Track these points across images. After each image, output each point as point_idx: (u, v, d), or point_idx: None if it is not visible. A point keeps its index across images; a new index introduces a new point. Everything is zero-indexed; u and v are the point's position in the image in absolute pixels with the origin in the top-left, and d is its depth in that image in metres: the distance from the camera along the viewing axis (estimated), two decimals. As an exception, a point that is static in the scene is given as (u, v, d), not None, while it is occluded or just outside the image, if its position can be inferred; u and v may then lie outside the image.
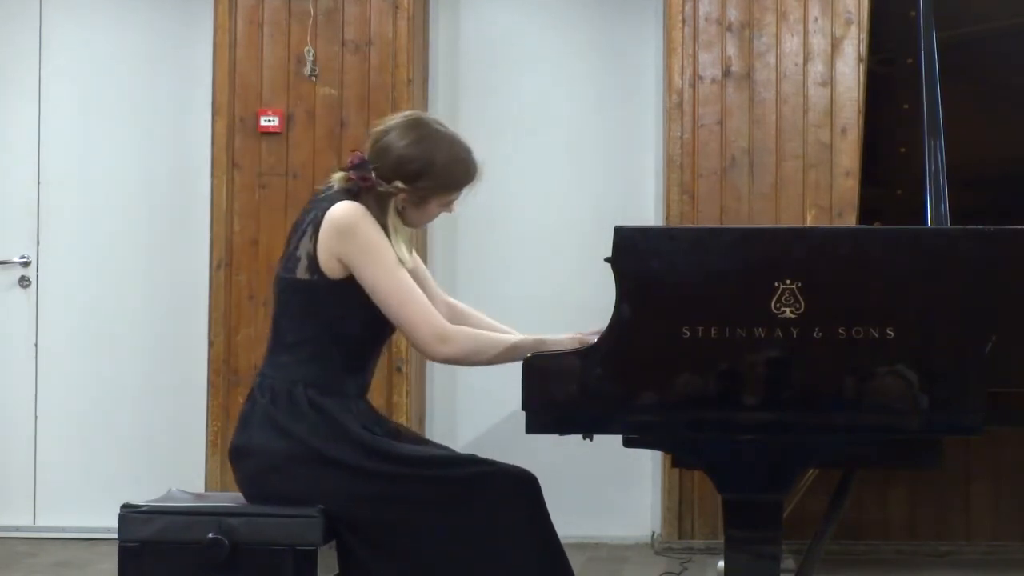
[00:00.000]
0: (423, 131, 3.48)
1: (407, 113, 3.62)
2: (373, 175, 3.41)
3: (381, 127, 3.51)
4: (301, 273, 3.39)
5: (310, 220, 3.42)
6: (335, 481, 3.31)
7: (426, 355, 3.43)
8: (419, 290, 3.38)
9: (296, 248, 3.42)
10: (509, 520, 3.30)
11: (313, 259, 3.37)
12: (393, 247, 3.39)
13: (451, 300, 3.68)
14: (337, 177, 3.47)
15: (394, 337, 3.69)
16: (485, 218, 6.71)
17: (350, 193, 3.42)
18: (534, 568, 3.30)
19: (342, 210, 3.37)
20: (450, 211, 3.57)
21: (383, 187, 3.41)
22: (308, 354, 3.39)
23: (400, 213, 3.45)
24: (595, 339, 3.19)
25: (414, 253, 3.53)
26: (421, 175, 3.43)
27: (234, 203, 6.68)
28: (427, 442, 3.63)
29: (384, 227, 3.40)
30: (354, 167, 3.44)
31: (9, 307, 6.95)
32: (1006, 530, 6.53)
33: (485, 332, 3.47)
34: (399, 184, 3.41)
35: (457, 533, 3.29)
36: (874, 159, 3.89)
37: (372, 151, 3.47)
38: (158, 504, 3.39)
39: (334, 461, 3.31)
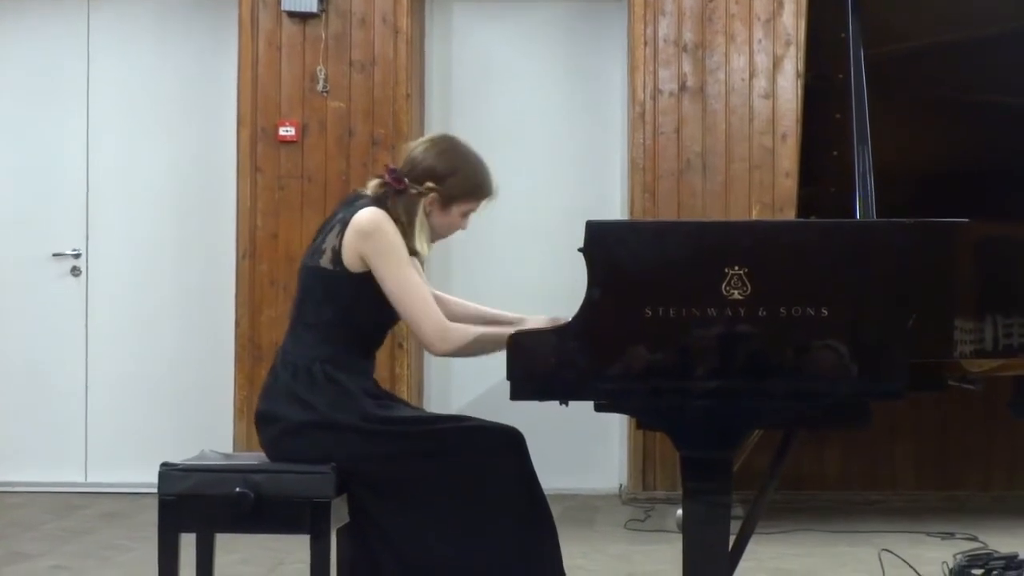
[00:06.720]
0: (452, 144, 3.54)
1: (436, 134, 3.65)
2: (406, 180, 3.44)
3: (414, 144, 3.56)
4: (325, 263, 3.39)
5: (339, 219, 3.42)
6: (348, 443, 3.30)
7: (427, 347, 3.39)
8: (426, 290, 3.38)
9: (323, 241, 3.42)
10: (498, 470, 3.29)
11: (337, 253, 3.37)
12: (416, 240, 3.41)
13: (437, 292, 3.66)
14: (372, 184, 3.49)
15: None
16: (475, 215, 6.68)
17: (379, 201, 3.43)
18: (520, 512, 3.30)
19: (367, 215, 3.38)
20: (464, 227, 3.58)
21: (415, 189, 3.44)
22: (325, 335, 3.38)
23: (427, 216, 3.47)
24: (567, 320, 3.20)
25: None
26: (449, 176, 3.46)
27: (257, 202, 6.68)
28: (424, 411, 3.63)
29: (412, 224, 3.41)
30: (389, 172, 3.47)
31: (63, 293, 6.96)
32: (926, 481, 6.57)
33: (477, 328, 3.43)
34: (430, 184, 3.44)
35: (452, 483, 3.28)
36: (810, 162, 3.88)
37: (405, 163, 3.50)
38: (193, 463, 3.38)
39: (347, 427, 3.31)
